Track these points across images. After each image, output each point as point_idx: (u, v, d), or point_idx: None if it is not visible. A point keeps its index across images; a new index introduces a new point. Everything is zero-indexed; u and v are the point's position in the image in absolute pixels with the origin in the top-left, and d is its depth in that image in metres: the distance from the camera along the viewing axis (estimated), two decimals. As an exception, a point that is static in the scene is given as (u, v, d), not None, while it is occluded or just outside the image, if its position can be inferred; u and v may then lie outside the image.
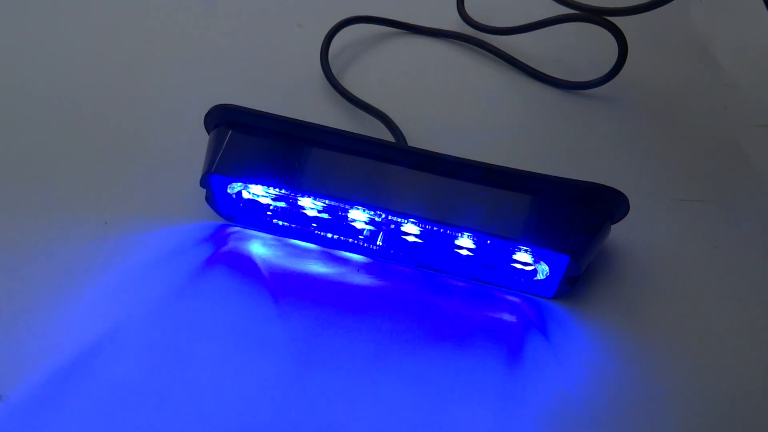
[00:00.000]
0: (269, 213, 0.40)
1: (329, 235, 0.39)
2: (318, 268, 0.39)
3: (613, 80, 0.48)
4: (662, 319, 0.37)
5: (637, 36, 0.49)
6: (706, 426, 0.33)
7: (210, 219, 0.40)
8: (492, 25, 0.54)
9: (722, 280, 0.39)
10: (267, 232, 0.40)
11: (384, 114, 0.45)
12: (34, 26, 0.54)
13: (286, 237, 0.40)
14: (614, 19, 0.46)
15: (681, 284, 0.39)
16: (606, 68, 0.48)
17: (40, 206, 0.41)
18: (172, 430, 0.32)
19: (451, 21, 0.56)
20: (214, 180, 0.38)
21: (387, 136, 0.44)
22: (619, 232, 0.38)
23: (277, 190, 0.37)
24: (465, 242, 0.36)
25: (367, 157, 0.36)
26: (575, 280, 0.36)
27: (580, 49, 0.53)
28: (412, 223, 0.36)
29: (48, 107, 0.48)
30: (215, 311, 0.36)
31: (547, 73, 0.51)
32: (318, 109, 0.48)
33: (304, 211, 0.38)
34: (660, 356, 0.36)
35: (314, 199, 0.37)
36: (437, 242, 0.37)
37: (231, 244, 0.40)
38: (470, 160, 0.35)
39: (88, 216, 0.40)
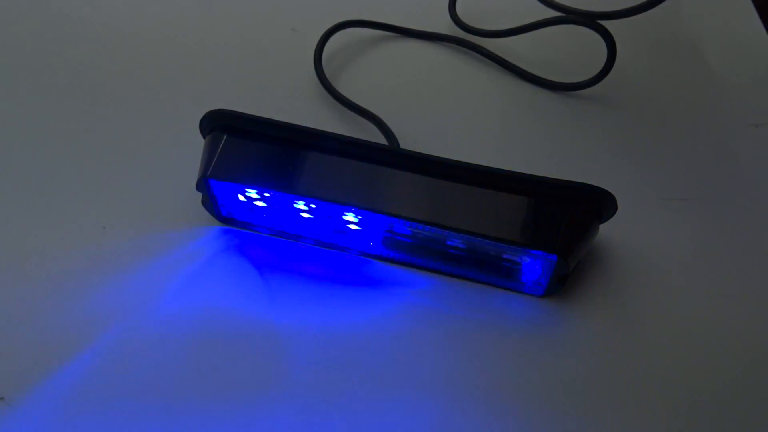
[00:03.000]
0: (264, 215, 0.40)
1: (324, 235, 0.40)
2: (313, 267, 0.39)
3: (602, 81, 0.48)
4: (650, 316, 0.38)
5: (627, 36, 0.49)
6: (694, 422, 0.34)
7: (206, 222, 0.41)
8: (483, 27, 0.54)
9: (710, 278, 0.40)
10: (263, 234, 0.41)
11: (377, 117, 0.46)
12: (31, 30, 0.55)
13: (281, 238, 0.41)
14: (604, 21, 0.47)
15: (669, 282, 0.39)
16: (596, 69, 0.48)
17: (38, 211, 0.42)
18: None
19: (443, 24, 0.56)
20: (209, 184, 0.38)
21: (380, 139, 0.45)
22: (608, 230, 0.38)
23: (271, 193, 0.38)
24: (457, 242, 0.37)
25: (361, 160, 0.37)
26: (564, 278, 0.36)
27: (570, 51, 0.54)
28: (405, 224, 0.37)
29: (44, 111, 0.48)
30: (214, 313, 0.37)
31: (538, 74, 0.51)
32: (312, 112, 0.49)
33: (299, 213, 0.39)
34: (647, 352, 0.36)
35: (308, 202, 0.38)
36: (429, 242, 0.38)
37: (227, 247, 0.40)
38: (459, 161, 0.36)
39: (86, 221, 0.41)
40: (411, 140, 0.45)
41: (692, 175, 0.45)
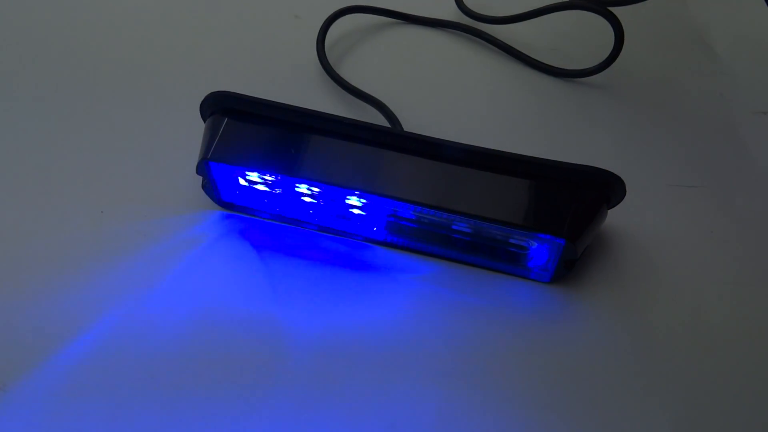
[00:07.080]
0: (266, 200, 0.40)
1: (326, 220, 0.39)
2: (316, 253, 0.39)
3: (609, 68, 0.48)
4: (657, 302, 0.37)
5: (634, 23, 0.49)
6: (702, 408, 0.33)
7: (206, 207, 0.40)
8: (489, 14, 0.54)
9: (717, 264, 0.39)
10: (264, 218, 0.40)
11: (380, 102, 0.45)
12: (27, 15, 0.54)
13: (283, 223, 0.40)
14: (612, 7, 0.46)
15: (676, 268, 0.39)
16: (602, 56, 0.48)
17: (35, 196, 0.41)
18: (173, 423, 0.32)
19: (448, 11, 0.56)
20: (210, 167, 0.38)
21: (383, 124, 0.44)
22: (615, 216, 0.38)
23: (273, 176, 0.37)
24: (462, 226, 0.36)
25: (363, 143, 0.36)
26: (572, 263, 0.36)
27: (576, 37, 0.53)
28: (409, 208, 0.36)
29: (42, 95, 0.48)
30: (214, 298, 0.36)
31: (544, 61, 0.51)
32: (314, 98, 0.48)
33: (301, 197, 0.38)
34: (654, 339, 0.36)
35: (310, 185, 0.37)
36: (434, 227, 0.37)
37: (228, 232, 0.40)
38: (467, 144, 0.35)
39: (84, 205, 0.40)
40: (414, 126, 0.44)
41: (700, 161, 0.45)
